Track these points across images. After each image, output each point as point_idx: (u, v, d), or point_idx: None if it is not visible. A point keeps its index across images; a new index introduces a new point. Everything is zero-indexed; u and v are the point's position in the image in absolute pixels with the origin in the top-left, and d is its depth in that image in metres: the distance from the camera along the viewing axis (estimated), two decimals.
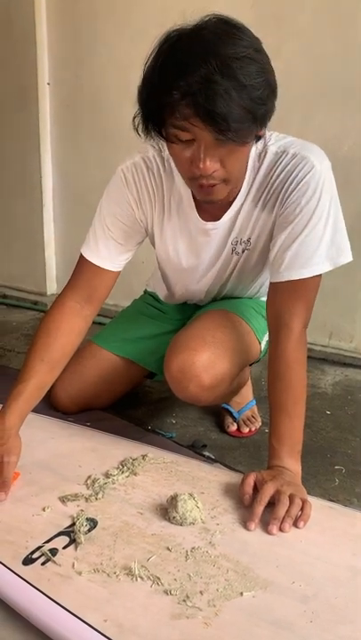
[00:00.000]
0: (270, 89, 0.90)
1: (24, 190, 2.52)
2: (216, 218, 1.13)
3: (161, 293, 1.45)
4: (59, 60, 2.33)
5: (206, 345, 1.14)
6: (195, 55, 0.83)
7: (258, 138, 0.99)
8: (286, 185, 1.04)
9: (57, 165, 2.47)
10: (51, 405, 1.37)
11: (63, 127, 2.41)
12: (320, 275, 1.05)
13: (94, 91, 2.26)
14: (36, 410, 1.11)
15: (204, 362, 1.12)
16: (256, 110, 0.88)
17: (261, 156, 1.06)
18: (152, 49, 0.89)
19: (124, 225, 1.17)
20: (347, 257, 1.06)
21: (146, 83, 0.90)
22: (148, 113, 0.91)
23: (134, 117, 0.93)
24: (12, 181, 2.56)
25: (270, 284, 1.09)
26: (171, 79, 0.85)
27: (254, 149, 1.05)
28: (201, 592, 0.78)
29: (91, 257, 1.18)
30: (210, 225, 1.14)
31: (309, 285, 1.06)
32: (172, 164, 1.11)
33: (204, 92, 0.83)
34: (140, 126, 0.94)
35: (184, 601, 0.76)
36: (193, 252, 1.20)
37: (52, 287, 2.63)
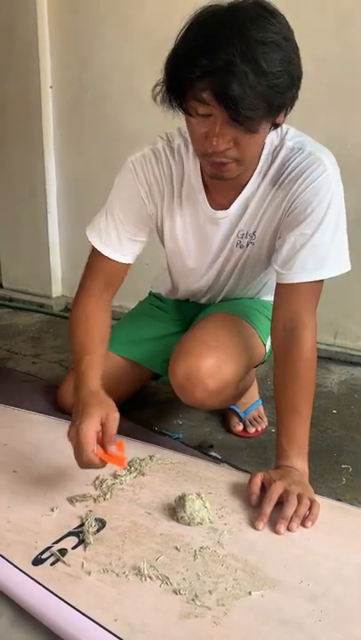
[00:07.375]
0: (291, 80, 0.89)
1: (28, 194, 2.53)
2: (225, 207, 1.13)
3: (165, 289, 1.45)
4: (61, 63, 2.33)
5: (211, 350, 1.14)
6: (222, 35, 0.84)
7: (276, 125, 0.99)
8: (298, 182, 1.03)
9: (61, 169, 2.48)
10: (57, 407, 1.37)
11: (66, 130, 2.41)
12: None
13: (97, 94, 2.27)
14: (43, 411, 1.12)
15: (209, 367, 1.12)
16: (273, 99, 0.88)
17: (277, 149, 1.06)
18: (185, 22, 0.89)
19: (135, 216, 1.17)
20: (346, 266, 1.07)
21: (173, 55, 0.91)
22: (170, 84, 0.92)
23: (155, 86, 0.94)
24: (17, 185, 2.57)
25: (279, 284, 1.08)
26: (195, 56, 0.85)
27: (271, 141, 1.05)
28: (210, 591, 0.78)
29: (103, 249, 1.18)
30: (220, 213, 1.13)
31: (320, 287, 1.07)
32: (182, 154, 1.12)
33: (221, 73, 0.83)
34: (162, 95, 0.94)
35: (193, 600, 0.76)
36: (202, 242, 1.20)
37: (58, 290, 2.63)
